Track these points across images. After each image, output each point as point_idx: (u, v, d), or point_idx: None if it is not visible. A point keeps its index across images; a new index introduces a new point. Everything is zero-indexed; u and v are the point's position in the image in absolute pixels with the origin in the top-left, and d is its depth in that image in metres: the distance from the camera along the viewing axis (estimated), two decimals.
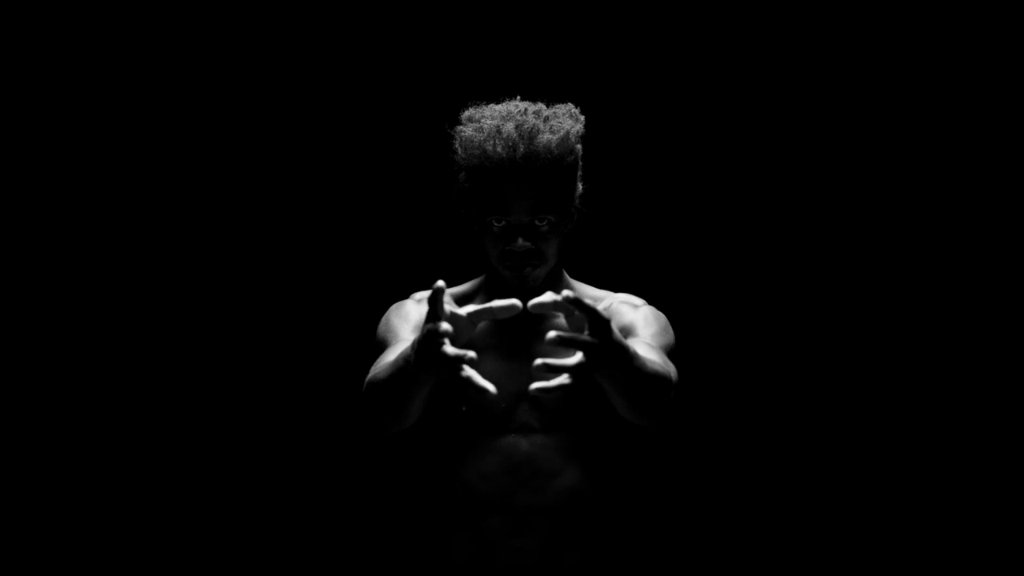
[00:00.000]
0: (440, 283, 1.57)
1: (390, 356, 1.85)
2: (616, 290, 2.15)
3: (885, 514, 3.17)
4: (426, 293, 2.07)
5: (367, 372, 1.91)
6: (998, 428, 3.15)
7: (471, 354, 1.54)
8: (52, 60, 3.14)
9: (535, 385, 1.52)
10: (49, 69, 3.14)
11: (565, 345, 1.51)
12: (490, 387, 1.55)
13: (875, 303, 3.20)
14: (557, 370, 1.52)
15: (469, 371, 1.56)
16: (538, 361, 1.51)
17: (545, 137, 1.93)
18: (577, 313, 1.56)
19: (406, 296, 2.12)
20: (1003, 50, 3.12)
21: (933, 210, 3.18)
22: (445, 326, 1.55)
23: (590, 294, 2.11)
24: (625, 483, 2.12)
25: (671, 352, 1.98)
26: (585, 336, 1.54)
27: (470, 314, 1.68)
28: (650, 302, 2.11)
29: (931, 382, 3.17)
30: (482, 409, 2.01)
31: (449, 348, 1.56)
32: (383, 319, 2.08)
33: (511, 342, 2.03)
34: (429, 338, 1.57)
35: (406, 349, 1.71)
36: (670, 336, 2.03)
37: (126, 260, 3.20)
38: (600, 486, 2.03)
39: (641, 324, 2.02)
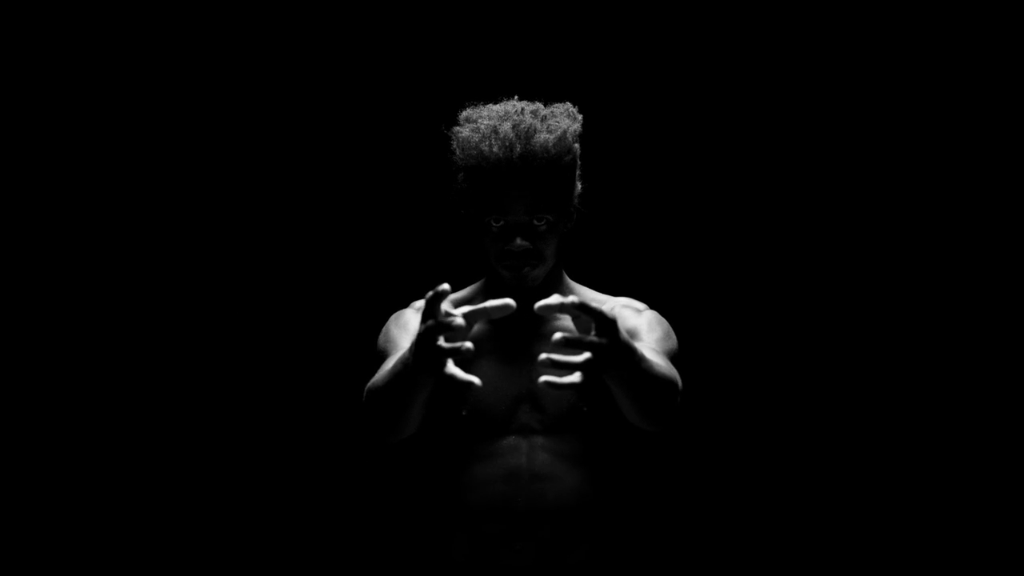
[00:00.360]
0: (445, 285, 1.56)
1: (389, 364, 1.84)
2: (616, 292, 2.14)
3: (887, 520, 3.16)
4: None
5: (366, 379, 1.91)
6: (998, 428, 3.14)
7: (468, 345, 1.53)
8: (52, 60, 3.14)
9: (545, 377, 1.53)
10: (49, 69, 3.14)
11: (572, 347, 1.51)
12: (475, 380, 1.55)
13: (877, 304, 3.19)
14: (563, 367, 1.52)
15: (451, 368, 1.56)
16: (543, 356, 1.50)
17: (542, 137, 1.92)
18: (583, 316, 1.55)
19: (406, 303, 2.11)
20: (1003, 50, 3.12)
21: (934, 211, 3.17)
22: (457, 321, 1.54)
23: (590, 297, 2.10)
24: (627, 485, 2.11)
25: (674, 358, 1.98)
26: (592, 337, 1.54)
27: (465, 315, 1.67)
28: (649, 303, 2.11)
29: (933, 387, 3.16)
30: (482, 412, 2.00)
31: (444, 343, 1.55)
32: (383, 330, 2.07)
33: (511, 344, 2.02)
34: (426, 334, 1.56)
35: (404, 354, 1.70)
36: (673, 342, 2.03)
37: (127, 266, 3.19)
38: (601, 488, 2.02)
39: (645, 329, 2.02)
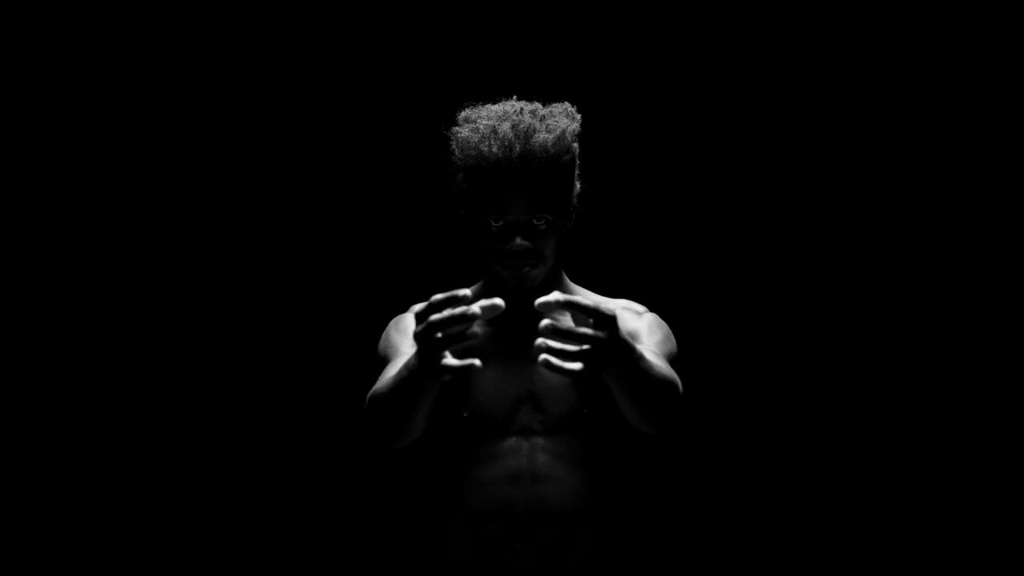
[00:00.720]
0: (466, 292, 1.54)
1: (392, 370, 1.84)
2: (615, 293, 2.14)
3: (886, 521, 3.16)
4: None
5: (367, 382, 1.92)
6: (998, 428, 3.14)
7: (474, 329, 1.53)
8: (52, 60, 3.14)
9: (545, 355, 1.49)
10: (49, 69, 3.14)
11: (569, 338, 1.51)
12: (474, 361, 1.53)
13: (876, 304, 3.19)
14: (560, 356, 1.51)
15: (449, 359, 1.54)
16: (539, 340, 1.49)
17: (541, 136, 1.92)
18: (580, 314, 1.55)
19: (406, 306, 2.11)
20: (1003, 50, 3.12)
21: (933, 211, 3.17)
22: (473, 310, 1.52)
23: (590, 298, 2.10)
24: (627, 488, 2.11)
25: (674, 361, 1.98)
26: (587, 329, 1.53)
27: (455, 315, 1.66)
28: (649, 304, 2.11)
29: (933, 387, 3.16)
30: (483, 414, 2.00)
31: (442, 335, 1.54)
32: (383, 335, 2.07)
33: (510, 346, 2.02)
34: (427, 330, 1.55)
35: (408, 359, 1.70)
36: (673, 344, 2.04)
37: (125, 270, 3.19)
38: (602, 490, 2.02)
39: (645, 331, 2.02)
